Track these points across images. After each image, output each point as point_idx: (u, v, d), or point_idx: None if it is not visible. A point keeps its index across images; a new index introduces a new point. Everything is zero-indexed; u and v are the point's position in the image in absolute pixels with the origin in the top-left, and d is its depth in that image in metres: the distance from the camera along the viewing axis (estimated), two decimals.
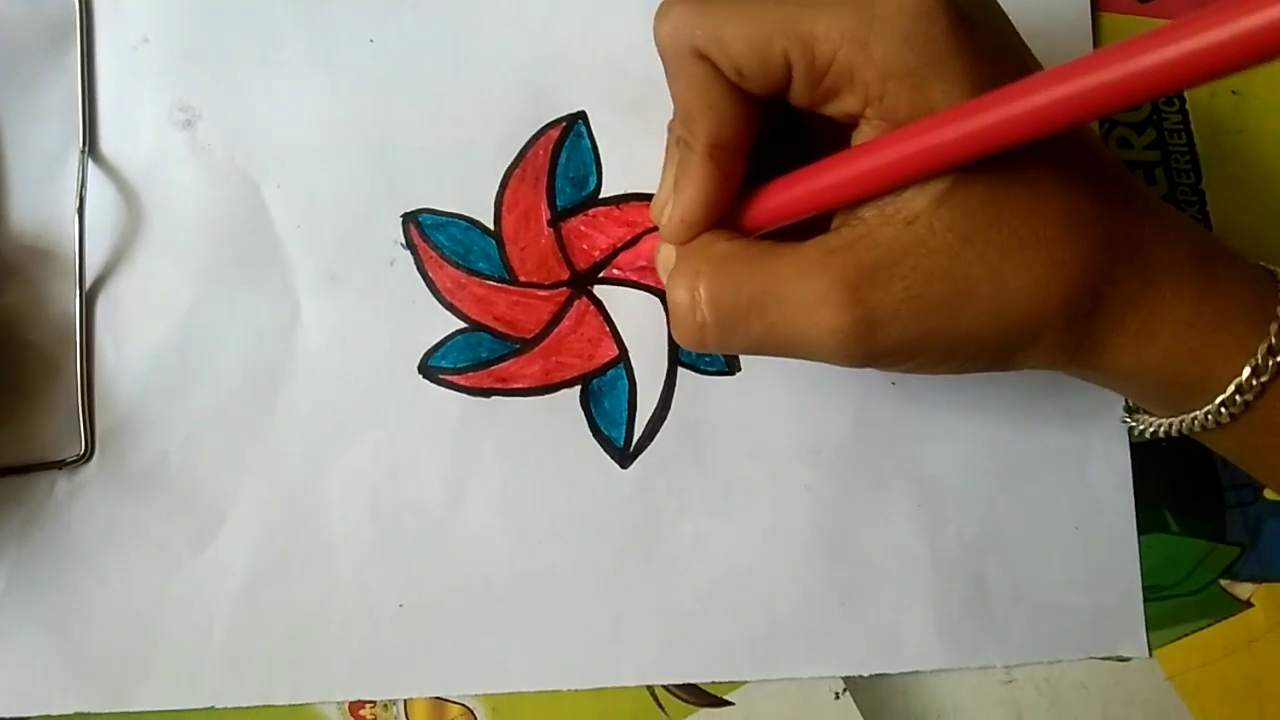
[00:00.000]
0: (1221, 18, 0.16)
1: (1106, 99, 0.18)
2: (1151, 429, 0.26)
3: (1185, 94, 0.32)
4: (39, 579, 0.29)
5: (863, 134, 0.22)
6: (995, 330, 0.22)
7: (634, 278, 0.31)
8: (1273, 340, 0.22)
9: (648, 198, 0.31)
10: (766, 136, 0.24)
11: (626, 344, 0.31)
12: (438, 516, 0.30)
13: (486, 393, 0.30)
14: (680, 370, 0.31)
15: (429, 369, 0.30)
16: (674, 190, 0.24)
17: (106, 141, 0.30)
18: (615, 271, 0.31)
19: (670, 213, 0.24)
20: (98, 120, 0.30)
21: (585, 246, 0.31)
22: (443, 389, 0.30)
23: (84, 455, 0.29)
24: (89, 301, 0.30)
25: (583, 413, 0.31)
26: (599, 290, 0.31)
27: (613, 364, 0.31)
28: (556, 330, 0.31)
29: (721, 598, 0.30)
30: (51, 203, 0.30)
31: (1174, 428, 0.24)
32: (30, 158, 0.30)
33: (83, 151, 0.30)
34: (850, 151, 0.22)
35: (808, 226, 0.23)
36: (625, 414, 0.31)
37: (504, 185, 0.31)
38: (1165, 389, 0.24)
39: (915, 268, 0.21)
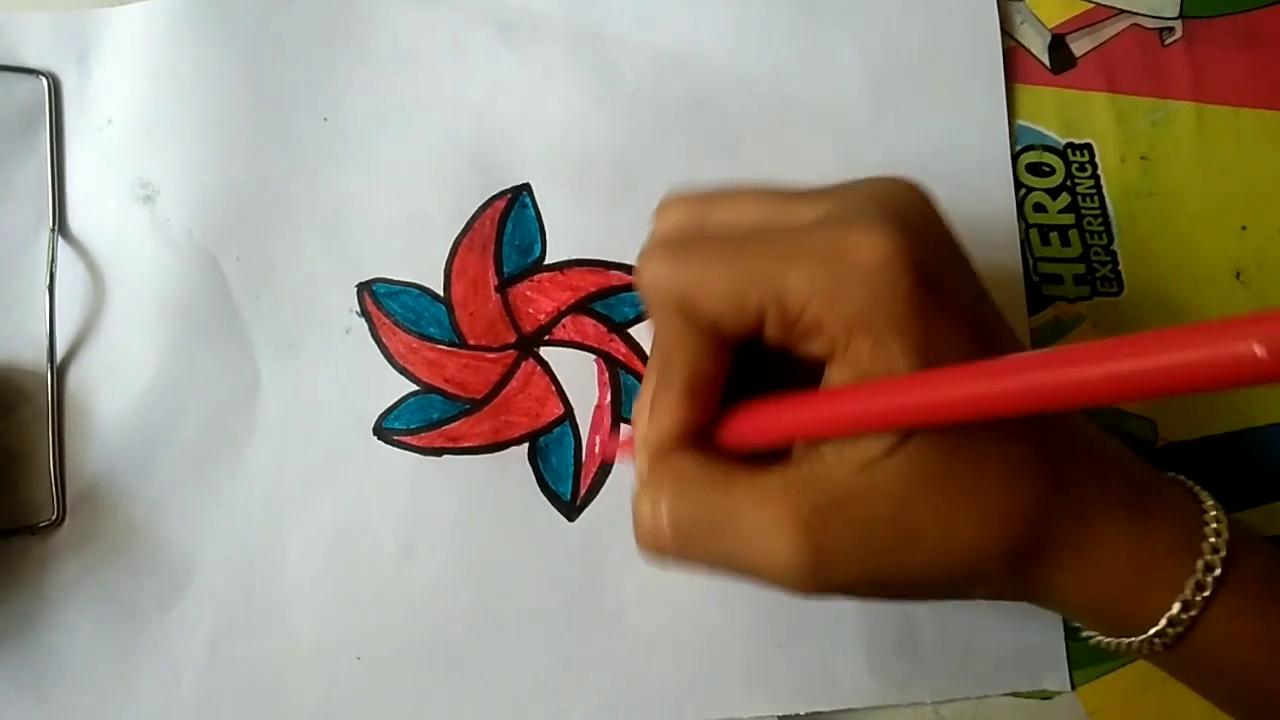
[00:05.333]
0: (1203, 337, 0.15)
1: (1047, 398, 0.18)
2: (1094, 641, 0.26)
3: (1097, 159, 0.34)
4: (12, 638, 0.30)
5: (831, 375, 0.23)
6: (942, 572, 0.23)
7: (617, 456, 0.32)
8: (1199, 576, 0.23)
9: (590, 264, 0.33)
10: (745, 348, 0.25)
11: (571, 402, 0.33)
12: (392, 571, 0.32)
13: (438, 452, 0.32)
14: (623, 425, 0.33)
15: (383, 430, 0.32)
16: (650, 411, 0.24)
17: (73, 219, 0.32)
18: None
19: (644, 431, 0.24)
20: (66, 200, 0.32)
21: (531, 310, 0.33)
22: (397, 449, 0.32)
23: (56, 519, 0.31)
24: (60, 373, 0.31)
25: (531, 469, 0.32)
26: (545, 351, 0.33)
27: (559, 422, 0.33)
28: (505, 391, 0.33)
29: (664, 642, 0.32)
30: (23, 280, 0.32)
31: (1114, 646, 0.25)
32: (2, 237, 0.32)
33: (53, 230, 0.32)
34: (813, 395, 0.23)
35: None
36: (571, 469, 0.32)
37: (453, 254, 0.33)
38: (1103, 619, 0.25)
39: (866, 512, 0.22)
